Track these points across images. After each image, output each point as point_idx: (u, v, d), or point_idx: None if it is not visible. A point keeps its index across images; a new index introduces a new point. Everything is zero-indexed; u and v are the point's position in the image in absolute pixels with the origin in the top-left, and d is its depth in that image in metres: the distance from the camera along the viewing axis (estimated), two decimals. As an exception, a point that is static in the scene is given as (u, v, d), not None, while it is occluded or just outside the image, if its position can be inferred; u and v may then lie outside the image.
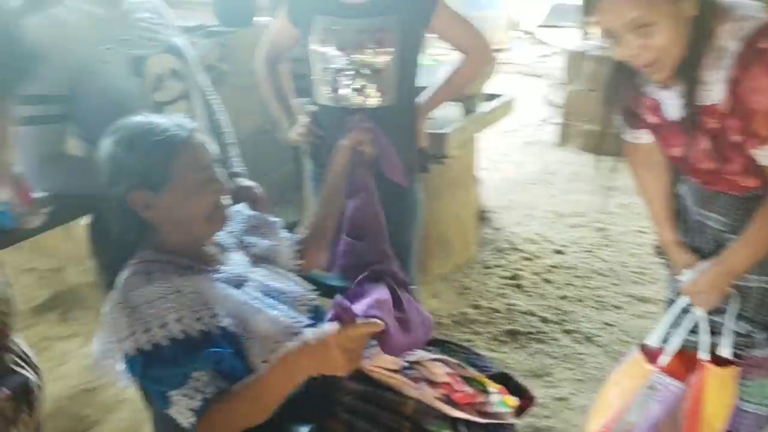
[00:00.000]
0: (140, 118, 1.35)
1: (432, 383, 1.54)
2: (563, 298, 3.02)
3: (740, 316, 1.61)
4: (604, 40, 1.41)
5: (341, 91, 1.94)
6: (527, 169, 4.58)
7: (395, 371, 1.54)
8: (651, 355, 1.77)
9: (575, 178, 4.35)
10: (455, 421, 1.48)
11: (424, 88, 2.12)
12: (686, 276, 1.65)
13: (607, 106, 1.61)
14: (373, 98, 1.93)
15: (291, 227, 2.94)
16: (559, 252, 3.43)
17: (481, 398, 1.55)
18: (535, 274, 3.23)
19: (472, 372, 1.60)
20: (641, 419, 1.71)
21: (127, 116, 1.36)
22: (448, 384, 1.53)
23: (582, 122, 4.75)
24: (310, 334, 1.19)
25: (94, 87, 1.54)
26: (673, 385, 1.69)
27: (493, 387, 1.59)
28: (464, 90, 2.16)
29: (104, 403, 2.41)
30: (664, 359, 1.73)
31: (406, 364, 1.56)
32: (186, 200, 1.31)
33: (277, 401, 1.23)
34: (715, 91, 1.38)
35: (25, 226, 1.44)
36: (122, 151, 1.30)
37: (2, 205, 1.41)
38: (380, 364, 1.54)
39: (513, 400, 1.60)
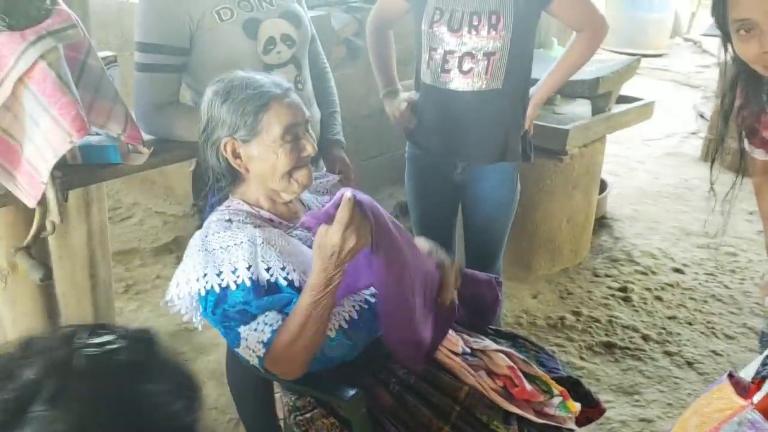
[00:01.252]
0: (242, 73, 1.42)
1: (492, 374, 1.52)
2: (672, 318, 2.84)
3: None
4: (738, 34, 1.27)
5: (449, 73, 1.92)
6: (662, 180, 4.33)
7: (457, 354, 1.53)
8: (742, 387, 1.64)
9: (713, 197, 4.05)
10: (508, 415, 1.45)
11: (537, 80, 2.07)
12: None
13: (724, 117, 1.49)
14: (479, 81, 1.90)
15: (403, 207, 2.97)
16: (677, 270, 3.22)
17: (540, 397, 1.51)
18: (647, 289, 3.06)
19: (536, 370, 1.56)
20: None
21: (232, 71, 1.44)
22: (508, 377, 1.50)
23: (730, 139, 4.40)
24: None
25: (209, 43, 1.63)
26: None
27: (556, 389, 1.54)
28: (578, 69, 2.07)
29: (200, 344, 2.57)
30: (760, 395, 1.59)
31: (469, 350, 1.55)
32: (270, 153, 1.37)
33: (326, 314, 1.28)
34: None
35: (130, 163, 1.56)
36: (219, 101, 1.38)
37: (112, 141, 1.55)
38: (444, 344, 1.54)
39: (576, 406, 1.54)
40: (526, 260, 3.11)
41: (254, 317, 1.29)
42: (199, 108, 1.46)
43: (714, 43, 6.30)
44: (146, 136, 1.61)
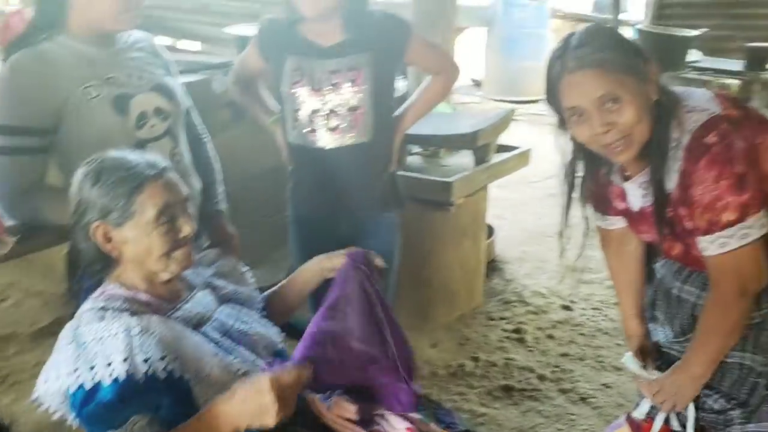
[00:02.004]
0: (114, 153, 1.38)
1: (390, 437, 1.51)
2: (564, 355, 2.94)
3: (717, 392, 1.55)
4: (571, 120, 1.41)
5: (315, 133, 1.94)
6: (545, 221, 4.51)
7: (353, 422, 1.52)
8: (637, 427, 1.72)
9: (593, 234, 4.27)
10: (409, 478, 1.44)
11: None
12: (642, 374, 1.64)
13: (567, 192, 1.61)
14: (347, 137, 1.94)
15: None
16: (566, 308, 3.36)
17: (439, 455, 1.51)
18: (539, 329, 3.16)
19: (434, 428, 1.56)
20: None
21: (106, 150, 1.40)
22: (406, 439, 1.50)
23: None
24: (240, 384, 1.19)
25: (78, 121, 1.58)
26: None
27: (455, 445, 1.55)
28: (434, 107, 2.19)
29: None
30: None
31: (364, 416, 1.54)
32: (145, 236, 1.33)
33: None
34: (671, 179, 1.40)
35: (-6, 253, 1.48)
36: (89, 183, 1.33)
37: (-28, 231, 1.46)
38: (339, 412, 1.52)
39: (475, 460, 1.55)
40: (423, 310, 3.14)
41: (123, 422, 1.22)
42: (69, 190, 1.41)
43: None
44: (12, 222, 1.53)
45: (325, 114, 1.91)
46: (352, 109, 1.91)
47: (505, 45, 7.62)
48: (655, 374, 1.62)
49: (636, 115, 1.34)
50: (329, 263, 1.62)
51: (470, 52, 7.62)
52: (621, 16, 5.57)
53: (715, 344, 1.48)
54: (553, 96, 1.42)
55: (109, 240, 1.34)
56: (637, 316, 1.76)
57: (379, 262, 1.62)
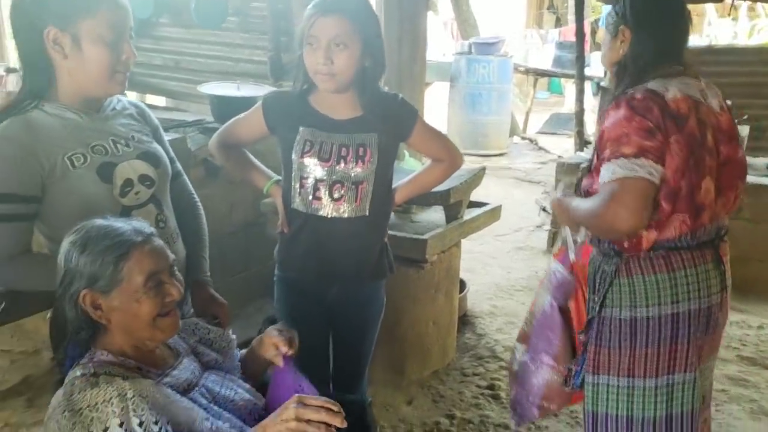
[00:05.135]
0: (100, 221, 1.40)
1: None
2: (539, 411, 2.96)
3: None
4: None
5: (320, 200, 1.99)
6: (514, 275, 4.60)
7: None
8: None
9: (561, 287, 4.35)
10: None
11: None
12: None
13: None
14: (349, 209, 1.99)
15: (272, 320, 2.92)
16: (538, 362, 3.39)
17: None
18: (513, 384, 3.18)
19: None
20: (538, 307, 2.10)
21: (91, 218, 1.42)
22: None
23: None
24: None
25: (63, 190, 1.59)
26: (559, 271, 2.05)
27: None
28: (431, 189, 2.30)
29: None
30: (555, 248, 2.15)
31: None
32: (133, 303, 1.35)
33: None
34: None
35: (-20, 321, 1.47)
36: (76, 252, 1.35)
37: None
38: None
39: None
40: (398, 366, 3.15)
41: None
42: (55, 256, 1.41)
43: (548, 141, 6.90)
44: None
45: (330, 184, 1.96)
46: (357, 183, 1.97)
47: (468, 100, 7.83)
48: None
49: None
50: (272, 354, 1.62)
51: (433, 106, 7.79)
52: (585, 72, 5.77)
53: (582, 220, 1.82)
54: None
55: (97, 307, 1.35)
56: None
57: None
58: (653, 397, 1.80)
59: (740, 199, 1.88)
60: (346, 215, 1.99)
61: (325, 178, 1.97)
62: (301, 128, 1.98)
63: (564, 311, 2.04)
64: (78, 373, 1.34)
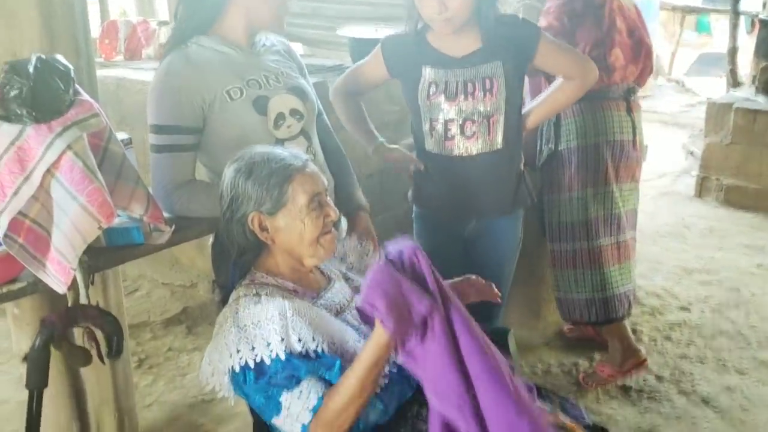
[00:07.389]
0: (259, 149, 1.48)
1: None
2: (683, 357, 2.86)
3: None
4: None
5: (453, 140, 1.98)
6: (659, 221, 4.39)
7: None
8: None
9: (710, 234, 4.13)
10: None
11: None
12: None
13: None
14: (483, 144, 1.97)
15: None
16: (684, 309, 3.26)
17: (569, 447, 1.52)
18: (656, 329, 3.08)
19: (564, 419, 1.57)
20: None
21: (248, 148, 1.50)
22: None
23: (722, 176, 4.52)
24: None
25: (222, 121, 1.69)
26: None
27: (585, 437, 1.55)
28: (563, 108, 2.28)
29: (218, 415, 2.56)
30: None
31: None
32: (298, 223, 1.42)
33: (380, 375, 1.33)
34: None
35: (153, 242, 1.60)
36: (242, 178, 1.43)
37: (135, 222, 1.59)
38: None
39: (604, 453, 1.55)
40: (535, 309, 3.13)
41: (298, 383, 1.31)
42: (216, 184, 1.51)
43: (696, 82, 6.47)
44: (166, 215, 1.65)
45: (461, 122, 1.95)
46: (487, 116, 1.94)
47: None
48: None
49: None
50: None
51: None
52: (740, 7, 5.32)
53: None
54: None
55: (264, 229, 1.44)
56: None
57: None
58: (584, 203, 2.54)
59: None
60: (480, 151, 1.98)
61: (454, 117, 1.95)
62: (423, 69, 1.97)
63: None
64: (242, 293, 1.43)
